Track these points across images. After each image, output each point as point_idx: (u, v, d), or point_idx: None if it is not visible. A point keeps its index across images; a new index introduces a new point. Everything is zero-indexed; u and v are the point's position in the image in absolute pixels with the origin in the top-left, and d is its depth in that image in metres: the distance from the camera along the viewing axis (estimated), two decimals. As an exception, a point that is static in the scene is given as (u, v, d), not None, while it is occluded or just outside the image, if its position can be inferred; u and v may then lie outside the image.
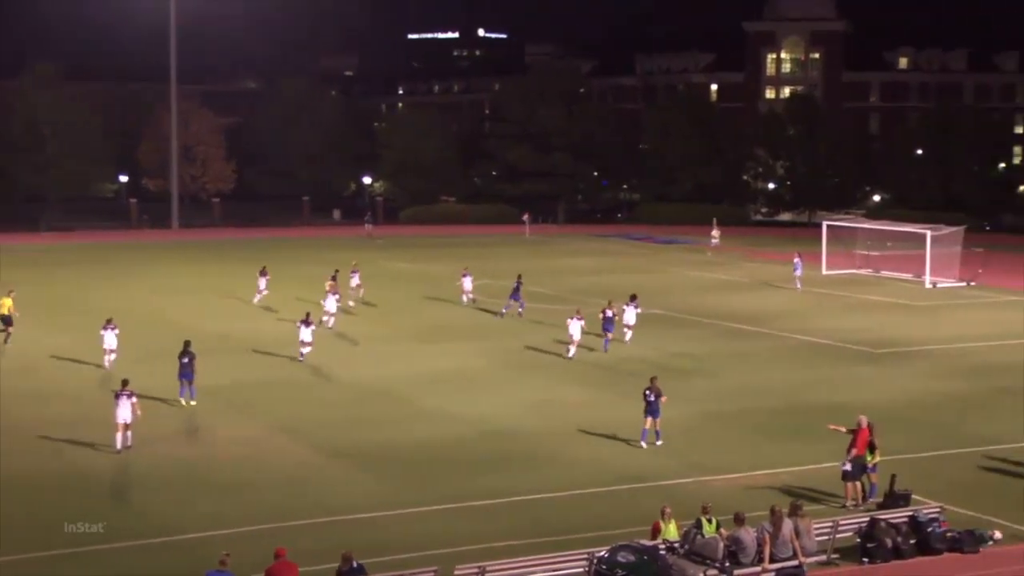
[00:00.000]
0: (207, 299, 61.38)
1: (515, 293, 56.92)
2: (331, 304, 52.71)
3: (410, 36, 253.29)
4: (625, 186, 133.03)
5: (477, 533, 26.32)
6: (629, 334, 49.74)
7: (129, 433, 32.65)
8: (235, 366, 44.20)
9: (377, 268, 75.46)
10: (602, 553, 23.37)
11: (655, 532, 24.44)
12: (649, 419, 33.68)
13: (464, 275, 60.31)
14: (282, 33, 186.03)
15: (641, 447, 33.57)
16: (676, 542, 24.00)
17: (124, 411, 32.42)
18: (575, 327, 46.70)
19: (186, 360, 38.46)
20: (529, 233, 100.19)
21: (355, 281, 60.54)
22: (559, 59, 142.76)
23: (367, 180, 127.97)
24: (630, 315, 50.00)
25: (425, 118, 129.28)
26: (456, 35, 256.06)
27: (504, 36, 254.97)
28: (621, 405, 38.23)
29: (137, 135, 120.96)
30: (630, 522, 26.23)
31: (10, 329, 47.35)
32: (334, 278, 57.21)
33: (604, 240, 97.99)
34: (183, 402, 38.04)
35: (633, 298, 51.15)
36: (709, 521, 23.99)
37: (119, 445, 32.47)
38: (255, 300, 58.91)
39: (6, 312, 47.63)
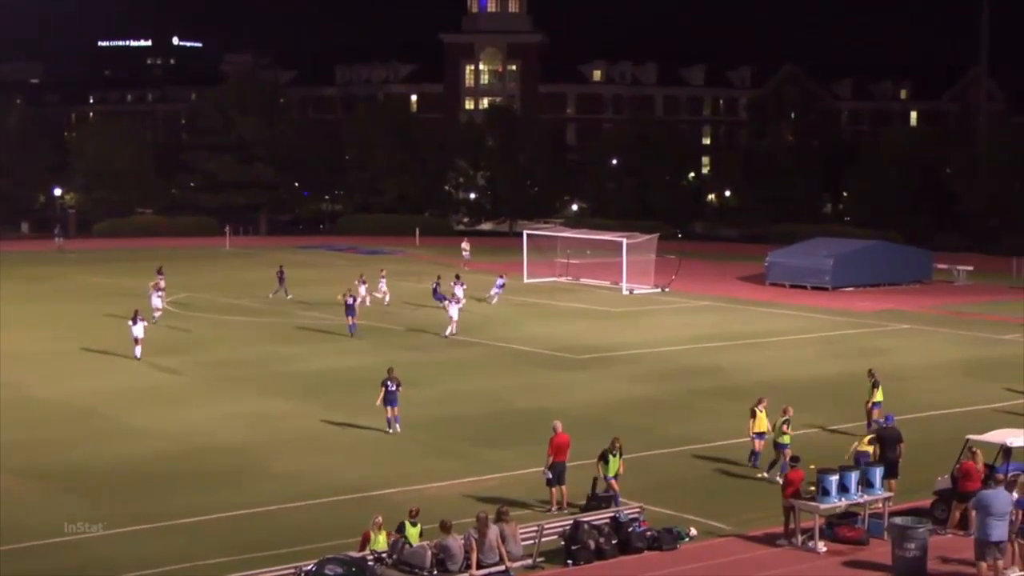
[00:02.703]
0: None
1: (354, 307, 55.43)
2: (156, 301, 56.19)
3: (100, 43, 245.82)
4: (327, 197, 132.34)
5: (184, 552, 25.57)
6: (462, 302, 57.48)
7: None
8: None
9: (69, 282, 72.95)
10: (309, 567, 23.05)
11: (364, 542, 24.27)
12: (390, 408, 35.84)
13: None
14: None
15: (389, 433, 35.87)
16: (384, 552, 23.88)
17: None
18: (453, 310, 53.92)
19: None
20: (229, 245, 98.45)
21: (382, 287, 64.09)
22: (259, 68, 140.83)
23: (58, 192, 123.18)
24: (459, 291, 58.30)
25: (118, 127, 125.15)
26: (149, 43, 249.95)
27: (199, 45, 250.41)
28: (328, 416, 38.03)
29: None
30: (339, 534, 25.99)
31: None
32: (160, 271, 62.81)
33: (308, 252, 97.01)
34: None
35: (458, 277, 61.59)
36: (414, 524, 24.15)
37: None
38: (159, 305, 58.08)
39: None
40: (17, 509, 28.70)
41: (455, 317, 54.02)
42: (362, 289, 60.58)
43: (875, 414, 35.44)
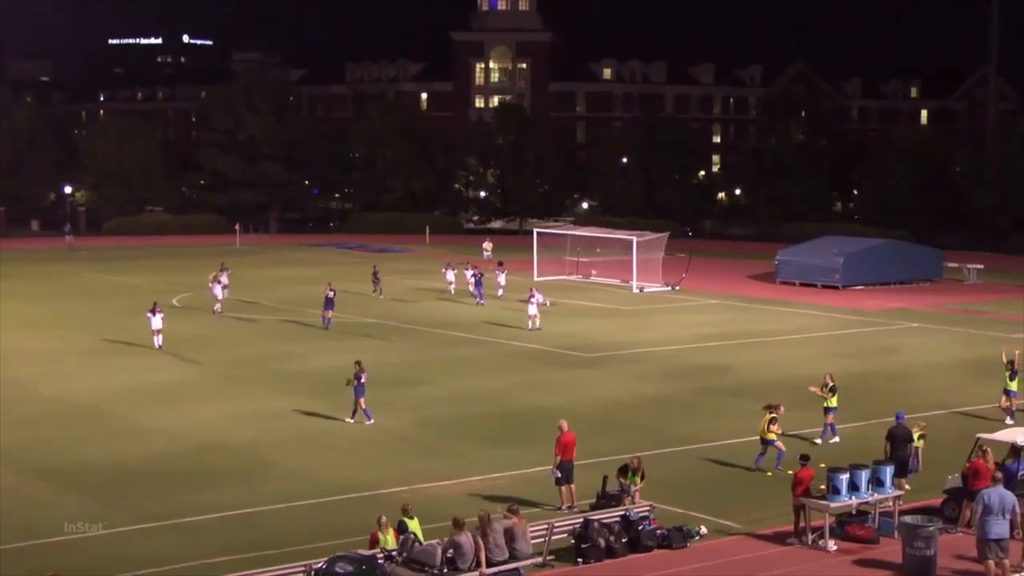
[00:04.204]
0: None
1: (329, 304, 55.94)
2: (218, 291, 59.43)
3: (110, 41, 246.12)
4: (337, 195, 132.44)
5: (190, 551, 25.58)
6: (502, 291, 64.96)
7: None
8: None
9: (79, 280, 73.15)
10: (320, 565, 23.04)
11: (373, 542, 24.26)
12: (363, 400, 36.79)
13: (449, 269, 67.42)
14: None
15: (369, 424, 36.68)
16: (394, 551, 23.86)
17: None
18: (533, 307, 55.22)
19: None
20: (240, 243, 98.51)
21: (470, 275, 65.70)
22: (268, 66, 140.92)
23: (68, 190, 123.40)
24: (501, 278, 65.35)
25: (129, 126, 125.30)
26: (160, 41, 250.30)
27: (210, 43, 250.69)
28: (335, 414, 38.00)
29: None
30: (346, 533, 26.01)
31: None
32: (223, 266, 64.12)
33: (317, 250, 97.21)
34: None
35: (500, 264, 67.38)
36: (411, 518, 24.25)
37: None
38: (219, 297, 59.89)
39: None
40: (25, 507, 28.71)
41: (535, 313, 55.25)
42: (501, 278, 65.72)
43: (830, 418, 35.16)
